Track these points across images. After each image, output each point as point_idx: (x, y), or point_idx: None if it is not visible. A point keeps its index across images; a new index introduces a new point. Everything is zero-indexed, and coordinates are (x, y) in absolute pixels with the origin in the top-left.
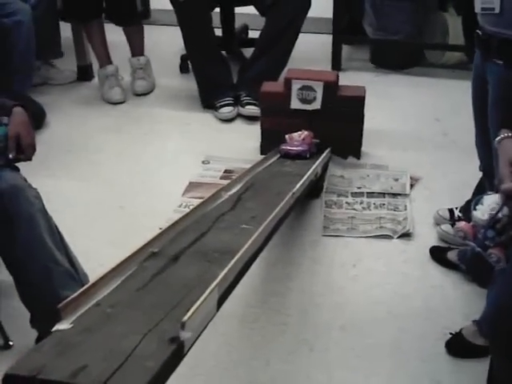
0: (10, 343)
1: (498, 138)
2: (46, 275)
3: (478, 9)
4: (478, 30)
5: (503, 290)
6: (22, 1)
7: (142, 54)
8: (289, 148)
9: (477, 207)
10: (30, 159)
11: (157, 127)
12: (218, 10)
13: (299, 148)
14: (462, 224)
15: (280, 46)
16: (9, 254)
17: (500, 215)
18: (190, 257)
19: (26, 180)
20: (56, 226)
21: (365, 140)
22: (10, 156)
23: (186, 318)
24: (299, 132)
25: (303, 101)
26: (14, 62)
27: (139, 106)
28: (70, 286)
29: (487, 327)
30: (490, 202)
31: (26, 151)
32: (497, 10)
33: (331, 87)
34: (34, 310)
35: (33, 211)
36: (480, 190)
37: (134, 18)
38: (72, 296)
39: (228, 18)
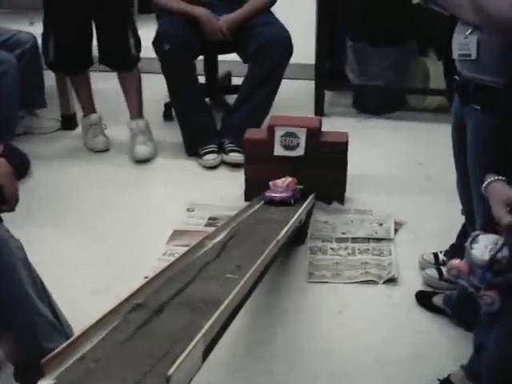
0: None
1: (485, 183)
2: (29, 327)
3: (455, 55)
4: (455, 76)
5: (504, 338)
6: (7, 51)
7: (140, 115)
8: (273, 195)
9: (473, 246)
10: (12, 210)
11: (141, 175)
12: (201, 57)
13: (283, 194)
14: (456, 262)
15: (263, 93)
16: None
17: (499, 256)
18: (174, 308)
19: (8, 231)
20: (39, 277)
21: (348, 185)
22: None
23: (171, 371)
24: (283, 178)
25: (286, 147)
26: None
27: (123, 154)
28: (53, 338)
29: (489, 378)
30: (488, 242)
31: (8, 202)
32: (473, 56)
33: (314, 133)
34: (17, 363)
35: (15, 262)
36: (464, 234)
37: (130, 62)
38: (55, 351)
39: (211, 66)
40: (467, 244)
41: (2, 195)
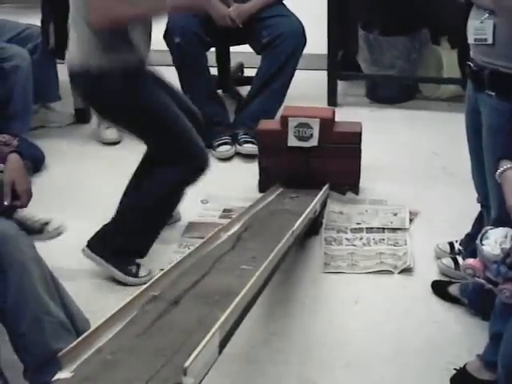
0: None
1: (500, 170)
2: (37, 326)
3: (470, 39)
4: (469, 62)
5: None
6: (19, 45)
7: None
8: None
9: (484, 242)
10: (25, 206)
11: None
12: (213, 49)
13: None
14: (470, 261)
15: (276, 85)
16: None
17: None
18: (190, 300)
19: (19, 228)
20: (52, 274)
21: (363, 175)
22: (6, 203)
23: (187, 363)
24: None
25: (300, 138)
26: (12, 107)
27: (136, 147)
28: (62, 338)
29: (505, 367)
30: (497, 236)
31: (21, 198)
32: (489, 41)
33: (327, 124)
34: (25, 361)
35: (25, 260)
36: (479, 223)
37: None
38: (73, 343)
39: (223, 57)
40: (478, 241)
41: (15, 191)
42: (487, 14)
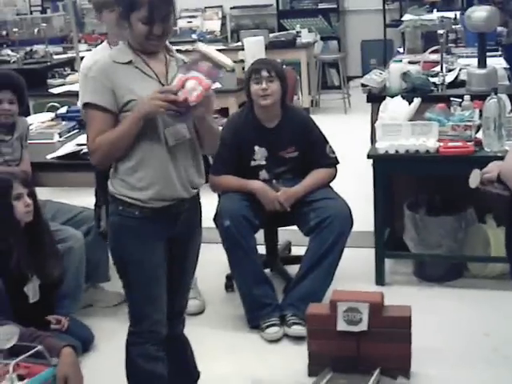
0: None
1: None
2: None
3: None
4: None
5: None
6: (74, 228)
7: None
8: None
9: None
10: None
11: (202, 347)
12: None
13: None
14: None
15: (324, 266)
16: None
17: None
18: None
19: None
20: None
21: (413, 358)
22: None
23: None
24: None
25: (349, 322)
26: (65, 286)
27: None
28: None
29: None
30: None
31: None
32: None
33: (377, 308)
34: None
35: None
36: None
37: None
38: None
39: (271, 237)
40: None
41: None
42: None
